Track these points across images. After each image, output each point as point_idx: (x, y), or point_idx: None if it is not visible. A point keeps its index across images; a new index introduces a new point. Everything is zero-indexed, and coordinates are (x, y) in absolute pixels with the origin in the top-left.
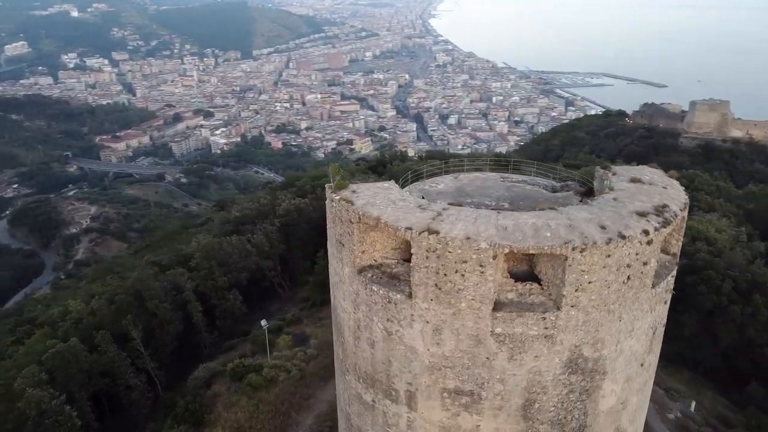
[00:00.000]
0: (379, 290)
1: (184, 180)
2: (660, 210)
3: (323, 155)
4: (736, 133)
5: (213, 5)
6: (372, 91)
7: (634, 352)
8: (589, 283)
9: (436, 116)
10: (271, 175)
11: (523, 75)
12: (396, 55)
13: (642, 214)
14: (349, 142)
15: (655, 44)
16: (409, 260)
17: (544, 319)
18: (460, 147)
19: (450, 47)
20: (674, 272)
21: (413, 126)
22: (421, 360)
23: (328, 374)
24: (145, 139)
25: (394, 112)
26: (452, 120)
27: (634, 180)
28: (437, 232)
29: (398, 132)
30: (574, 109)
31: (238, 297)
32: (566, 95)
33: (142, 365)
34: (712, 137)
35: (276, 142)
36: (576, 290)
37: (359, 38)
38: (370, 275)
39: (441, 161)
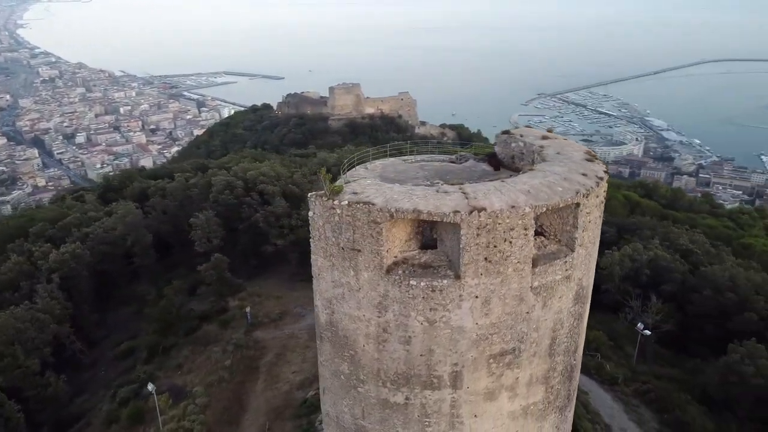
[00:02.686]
0: (420, 282)
1: None
2: (592, 156)
3: None
4: (370, 109)
5: None
6: None
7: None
8: (589, 222)
9: (60, 137)
10: None
11: (146, 81)
12: None
13: (590, 161)
14: None
15: (267, 41)
16: (427, 247)
17: (566, 262)
18: (99, 166)
19: (53, 59)
20: None
21: (35, 152)
22: (468, 336)
23: (231, 415)
24: None
25: (5, 140)
26: (80, 138)
27: (544, 137)
28: (484, 209)
29: (17, 162)
30: (207, 109)
31: (59, 377)
32: (195, 97)
33: None
34: (353, 116)
35: None
36: (583, 231)
37: None
38: (401, 272)
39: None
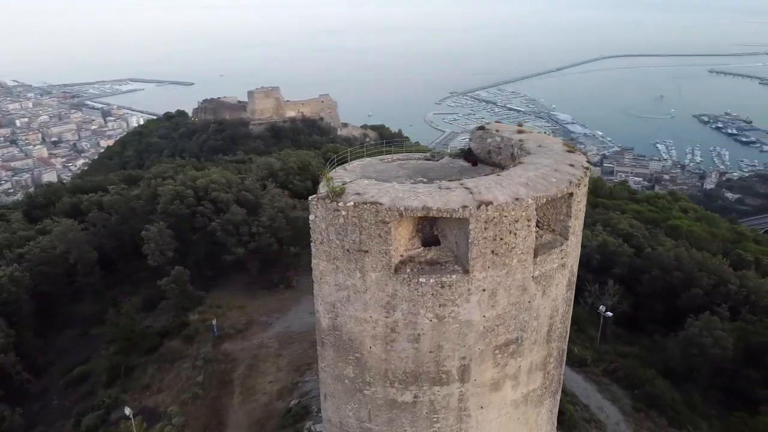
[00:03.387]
0: (429, 279)
1: None
2: (571, 148)
3: None
4: (290, 113)
5: None
6: None
7: None
8: (579, 210)
9: None
10: None
11: (43, 91)
12: None
13: (571, 152)
14: None
15: (173, 46)
16: (427, 244)
17: (561, 251)
18: None
19: None
20: None
21: None
22: (476, 329)
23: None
24: None
25: None
26: None
27: (519, 131)
28: (491, 203)
29: None
30: (113, 118)
31: (13, 410)
32: (100, 106)
33: None
34: (274, 120)
35: None
36: (575, 219)
37: None
38: (409, 270)
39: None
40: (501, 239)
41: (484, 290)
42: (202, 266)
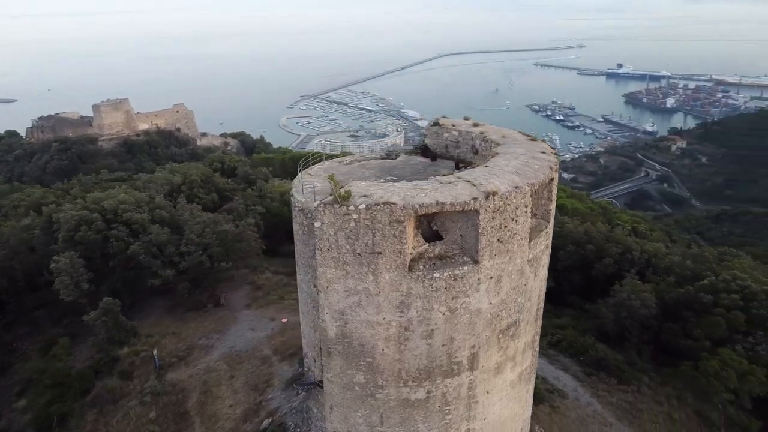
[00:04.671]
0: (443, 273)
1: None
2: (531, 137)
3: None
4: (143, 125)
5: None
6: None
7: None
8: (555, 194)
9: None
10: None
11: None
12: None
13: (533, 140)
14: None
15: None
16: (431, 239)
17: (547, 233)
18: None
19: None
20: None
21: None
22: (484, 317)
23: None
24: None
25: None
26: None
27: (475, 125)
28: (496, 192)
29: None
30: None
31: None
32: None
33: None
34: (126, 134)
35: None
36: (553, 202)
37: None
38: (422, 267)
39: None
40: (505, 227)
41: (491, 278)
42: (120, 295)
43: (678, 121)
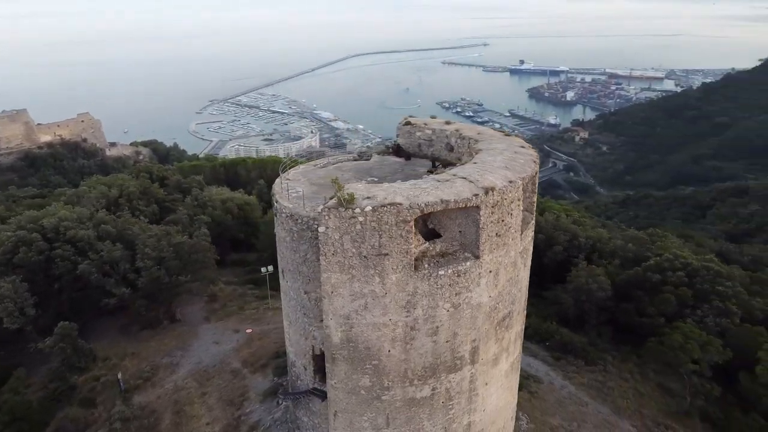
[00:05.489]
0: (447, 270)
1: None
2: (506, 133)
3: None
4: (46, 137)
5: None
6: None
7: None
8: (537, 185)
9: None
10: None
11: None
12: None
13: (509, 135)
14: None
15: None
16: (428, 237)
17: (532, 224)
18: None
19: None
20: None
21: None
22: (484, 310)
23: None
24: None
25: None
26: None
27: (447, 123)
28: (493, 188)
29: None
30: None
31: None
32: None
33: None
34: (26, 147)
35: None
36: (535, 195)
37: None
38: (427, 265)
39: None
40: (502, 221)
41: (490, 272)
42: (68, 318)
43: (578, 113)
